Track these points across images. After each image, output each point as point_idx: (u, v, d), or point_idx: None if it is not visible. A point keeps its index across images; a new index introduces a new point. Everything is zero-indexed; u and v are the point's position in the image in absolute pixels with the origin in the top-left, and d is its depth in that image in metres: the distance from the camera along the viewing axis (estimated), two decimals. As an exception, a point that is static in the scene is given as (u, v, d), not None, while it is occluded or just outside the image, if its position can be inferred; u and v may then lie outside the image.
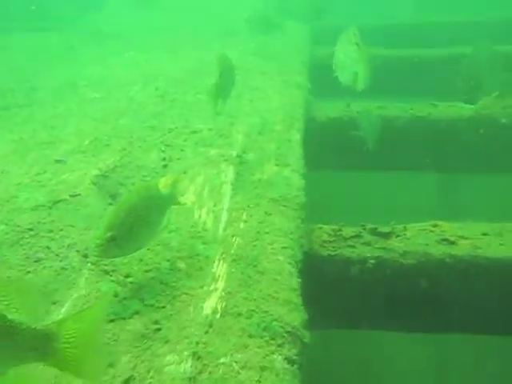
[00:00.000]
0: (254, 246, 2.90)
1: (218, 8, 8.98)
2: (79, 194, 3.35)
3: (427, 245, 3.34)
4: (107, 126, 4.37)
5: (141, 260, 2.73)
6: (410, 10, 9.98)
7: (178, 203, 2.86)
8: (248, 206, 3.28)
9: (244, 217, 3.18)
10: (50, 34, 6.87)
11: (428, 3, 9.97)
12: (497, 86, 4.94)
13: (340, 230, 3.47)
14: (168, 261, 2.76)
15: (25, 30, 7.44)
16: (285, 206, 3.34)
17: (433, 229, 3.48)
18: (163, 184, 2.75)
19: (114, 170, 3.75)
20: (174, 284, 2.59)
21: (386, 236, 3.43)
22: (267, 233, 3.03)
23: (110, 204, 3.37)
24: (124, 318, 2.35)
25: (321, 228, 3.53)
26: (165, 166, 3.80)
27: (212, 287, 2.58)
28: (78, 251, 2.83)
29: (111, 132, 4.27)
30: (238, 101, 4.89)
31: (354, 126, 5.29)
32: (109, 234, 2.47)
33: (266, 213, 3.23)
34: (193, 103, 4.84)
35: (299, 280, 2.73)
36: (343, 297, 3.34)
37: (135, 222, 2.55)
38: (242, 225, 3.10)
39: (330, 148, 5.34)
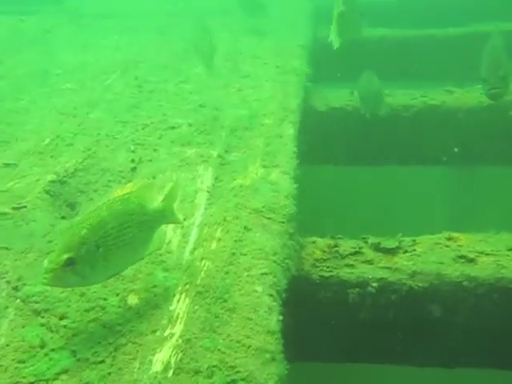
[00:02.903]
0: (227, 272, 2.36)
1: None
2: (24, 207, 2.82)
3: (441, 263, 2.78)
4: (74, 122, 3.83)
5: (82, 294, 2.21)
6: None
7: (173, 221, 2.36)
8: (224, 220, 2.73)
9: (218, 234, 2.63)
10: (26, 18, 6.31)
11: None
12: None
13: (336, 245, 2.91)
14: (117, 295, 2.23)
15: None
16: (269, 218, 2.79)
17: (448, 242, 2.92)
18: (144, 195, 2.22)
19: (74, 174, 3.22)
20: (119, 328, 2.06)
21: (392, 252, 2.88)
22: (244, 254, 2.49)
23: (63, 218, 2.85)
24: (46, 381, 1.83)
25: (314, 242, 2.98)
26: (133, 170, 3.26)
27: (167, 332, 2.05)
28: (8, 282, 2.30)
29: (77, 128, 3.73)
30: (225, 90, 4.34)
31: (358, 115, 4.73)
32: (65, 257, 1.96)
33: (245, 228, 2.68)
34: (174, 94, 4.28)
35: (280, 318, 2.19)
36: (340, 328, 2.79)
37: (103, 241, 2.03)
38: (214, 245, 2.55)
39: (331, 141, 4.77)
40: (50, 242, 2.56)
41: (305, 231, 3.03)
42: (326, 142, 4.71)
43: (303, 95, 4.42)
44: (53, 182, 3.11)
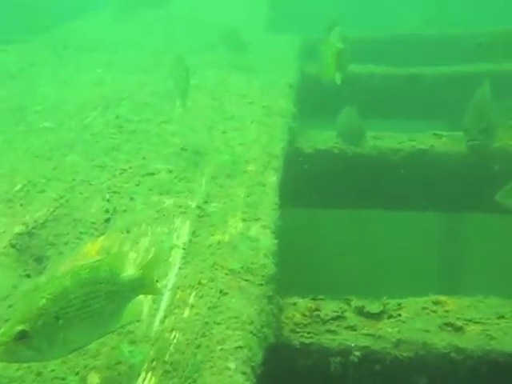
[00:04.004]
0: (198, 346, 2.20)
1: (205, 17, 8.33)
2: (-15, 264, 2.66)
3: (427, 331, 2.63)
4: (49, 165, 3.68)
5: (39, 374, 2.03)
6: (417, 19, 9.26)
7: (151, 292, 2.19)
8: (199, 283, 2.57)
9: (191, 299, 2.47)
10: (9, 48, 6.18)
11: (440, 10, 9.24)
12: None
13: (318, 308, 2.76)
14: (77, 374, 2.06)
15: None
16: (247, 280, 2.64)
17: (434, 307, 2.78)
18: (116, 262, 2.07)
19: (44, 225, 3.06)
20: (75, 417, 1.89)
21: (376, 317, 2.73)
22: (218, 324, 2.33)
23: (28, 276, 2.68)
24: None
25: (294, 304, 2.83)
26: (107, 221, 3.11)
27: (129, 420, 1.88)
28: (-41, 357, 2.12)
29: (51, 173, 3.57)
30: (209, 133, 4.21)
31: (345, 159, 4.63)
32: (18, 329, 1.79)
33: (221, 292, 2.52)
34: (156, 135, 4.14)
35: (254, 402, 2.03)
36: (319, 400, 2.63)
37: (64, 312, 1.87)
38: (186, 312, 2.40)
39: (316, 183, 4.65)
40: (10, 306, 2.39)
41: (286, 283, 2.89)
42: (311, 185, 4.60)
43: (288, 138, 4.31)
44: (20, 234, 2.96)
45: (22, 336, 1.79)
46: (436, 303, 2.78)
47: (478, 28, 7.34)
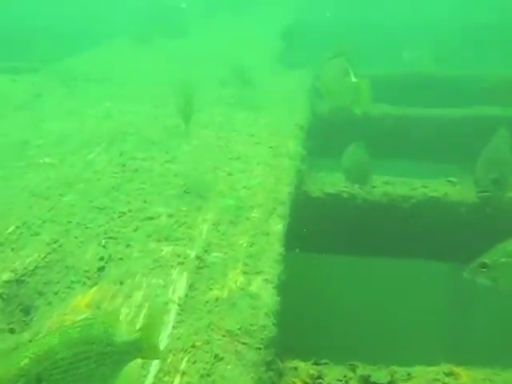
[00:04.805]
0: (187, 423, 2.02)
1: (218, 50, 8.30)
2: (-32, 317, 2.50)
3: (439, 408, 2.42)
4: (45, 206, 3.54)
5: None
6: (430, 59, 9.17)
7: (151, 356, 2.01)
8: (193, 346, 2.39)
9: (183, 365, 2.29)
10: (19, 78, 6.13)
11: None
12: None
13: (320, 375, 2.56)
14: None
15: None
16: (244, 343, 2.45)
17: (447, 379, 2.57)
18: (110, 321, 1.90)
19: (34, 272, 2.91)
20: None
21: (383, 388, 2.52)
22: (211, 396, 2.15)
23: (11, 331, 2.52)
24: None
25: (295, 369, 2.63)
26: (101, 269, 2.94)
27: None
28: None
29: (47, 214, 3.43)
30: (214, 173, 4.06)
31: (355, 204, 4.47)
32: None
33: (215, 357, 2.34)
34: (159, 175, 4.00)
35: None
36: None
37: (48, 374, 1.71)
38: (177, 381, 2.21)
39: (324, 228, 4.48)
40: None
41: (287, 337, 2.69)
42: (318, 230, 4.43)
43: (296, 181, 4.16)
44: (8, 282, 2.80)
45: None
46: (448, 374, 2.57)
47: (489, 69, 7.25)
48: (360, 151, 4.51)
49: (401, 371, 2.62)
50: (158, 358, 2.17)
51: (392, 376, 2.57)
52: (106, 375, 1.87)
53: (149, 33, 8.65)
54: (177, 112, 4.37)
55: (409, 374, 2.59)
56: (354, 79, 4.55)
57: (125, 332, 1.96)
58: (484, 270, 2.96)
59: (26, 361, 1.72)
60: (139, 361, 2.24)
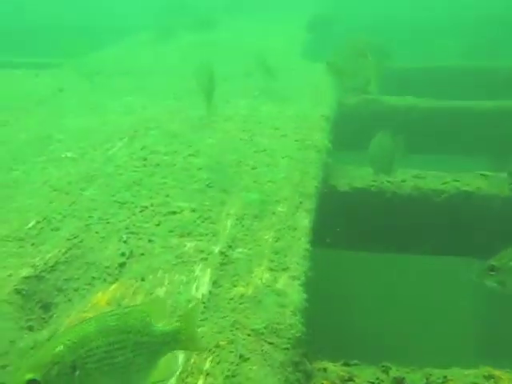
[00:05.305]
0: (210, 428, 1.91)
1: (245, 43, 8.20)
2: (-15, 313, 2.43)
3: (479, 414, 2.27)
4: (66, 200, 3.47)
5: None
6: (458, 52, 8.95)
7: (191, 347, 1.93)
8: (217, 346, 2.28)
9: (207, 366, 2.18)
10: (41, 73, 6.10)
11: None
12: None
13: (351, 377, 2.43)
14: None
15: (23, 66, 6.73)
16: (271, 343, 2.34)
17: (486, 383, 2.41)
18: (152, 310, 1.83)
19: (54, 268, 2.83)
20: None
21: (418, 392, 2.38)
22: (236, 399, 2.04)
23: (30, 329, 2.44)
24: None
25: (324, 370, 2.50)
26: (122, 265, 2.85)
27: None
28: None
29: (68, 209, 3.36)
30: (238, 167, 3.95)
31: (384, 198, 4.31)
32: (27, 377, 1.60)
33: (240, 357, 2.23)
34: (181, 169, 3.90)
35: None
36: None
37: (82, 362, 1.64)
38: (200, 382, 2.11)
39: (352, 224, 4.34)
40: (3, 367, 2.14)
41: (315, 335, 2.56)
42: (347, 225, 4.28)
43: (323, 175, 4.02)
44: (28, 278, 2.73)
45: None
46: (488, 378, 2.42)
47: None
48: (386, 139, 4.35)
49: (436, 373, 2.47)
50: (197, 350, 2.09)
51: (427, 379, 2.42)
52: (142, 366, 1.78)
53: (173, 27, 8.59)
54: (198, 89, 4.61)
55: (445, 377, 2.44)
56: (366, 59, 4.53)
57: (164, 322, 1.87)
58: (493, 273, 2.83)
59: (61, 347, 1.66)
60: (178, 353, 2.16)
